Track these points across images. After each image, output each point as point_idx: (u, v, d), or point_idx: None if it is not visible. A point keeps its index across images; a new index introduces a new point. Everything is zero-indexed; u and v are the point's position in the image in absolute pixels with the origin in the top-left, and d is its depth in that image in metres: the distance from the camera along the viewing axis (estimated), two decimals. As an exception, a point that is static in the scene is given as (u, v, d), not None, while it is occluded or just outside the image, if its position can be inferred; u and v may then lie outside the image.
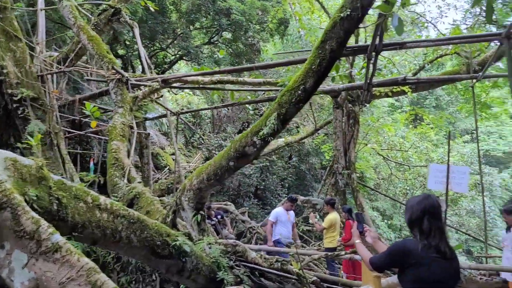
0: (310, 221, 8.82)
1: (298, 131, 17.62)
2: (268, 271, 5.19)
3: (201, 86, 7.89)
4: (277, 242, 8.07)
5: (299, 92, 4.18)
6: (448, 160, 4.41)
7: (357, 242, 2.99)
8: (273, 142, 15.71)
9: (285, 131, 17.84)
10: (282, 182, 18.38)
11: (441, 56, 11.87)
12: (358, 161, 18.48)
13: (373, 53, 5.33)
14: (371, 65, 5.86)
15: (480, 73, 5.89)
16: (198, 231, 5.43)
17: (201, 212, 5.38)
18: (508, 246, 6.43)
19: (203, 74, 7.26)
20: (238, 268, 5.18)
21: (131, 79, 7.70)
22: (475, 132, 32.42)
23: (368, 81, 6.43)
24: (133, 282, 6.14)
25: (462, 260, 17.85)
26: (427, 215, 2.51)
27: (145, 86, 8.00)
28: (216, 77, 7.92)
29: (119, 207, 4.07)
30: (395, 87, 9.13)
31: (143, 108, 9.49)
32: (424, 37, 13.82)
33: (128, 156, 7.01)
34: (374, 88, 8.90)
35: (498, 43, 5.89)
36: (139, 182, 6.40)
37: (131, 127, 7.44)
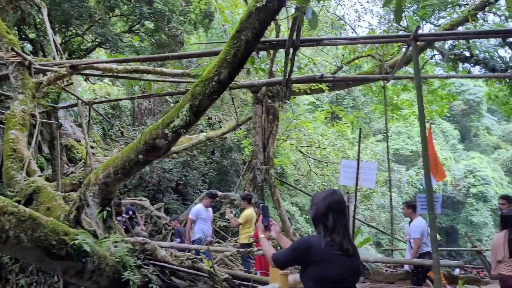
0: (226, 216, 8.69)
1: (221, 126, 17.47)
2: (178, 270, 4.98)
3: (115, 74, 7.41)
4: (199, 241, 7.81)
5: (213, 83, 4.01)
6: (359, 156, 4.52)
7: (261, 237, 2.86)
8: (194, 137, 15.42)
9: (208, 126, 17.61)
10: (203, 177, 18.10)
11: (357, 57, 12.37)
12: (279, 157, 18.84)
13: (291, 49, 5.33)
14: (289, 61, 5.87)
15: (391, 74, 6.18)
16: (104, 228, 5.06)
17: (108, 208, 5.02)
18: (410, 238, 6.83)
19: (116, 62, 6.81)
20: (146, 267, 4.90)
21: (34, 63, 7.01)
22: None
23: (287, 76, 6.45)
24: (34, 284, 5.62)
25: (372, 252, 18.96)
26: (332, 211, 2.45)
27: (52, 71, 7.34)
28: (132, 65, 7.51)
29: (6, 203, 3.63)
30: (313, 84, 9.34)
31: (50, 95, 8.75)
32: (344, 39, 14.33)
33: (29, 147, 6.39)
34: (293, 85, 9.02)
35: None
36: (40, 176, 5.85)
37: (33, 116, 6.79)
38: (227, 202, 10.30)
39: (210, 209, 8.46)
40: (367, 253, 8.75)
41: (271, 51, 8.90)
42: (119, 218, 7.98)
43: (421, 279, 6.45)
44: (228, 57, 3.94)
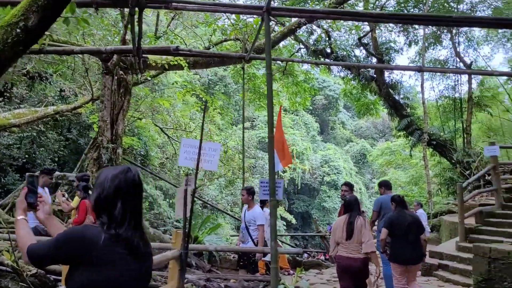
0: (57, 199, 7.47)
1: (76, 100, 15.71)
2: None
3: None
4: (34, 230, 6.56)
5: (18, 30, 3.15)
6: (202, 134, 4.11)
7: (20, 218, 2.02)
8: (41, 109, 13.57)
9: (60, 99, 15.70)
10: (53, 156, 16.12)
11: (225, 40, 12.15)
12: (143, 139, 17.86)
13: (137, 9, 4.65)
14: (137, 25, 5.17)
15: (247, 54, 5.94)
16: None
17: None
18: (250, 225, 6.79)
19: None
20: None
21: None
22: (255, 119, 35.65)
23: (136, 44, 5.74)
24: None
25: (233, 239, 19.21)
26: (122, 196, 1.83)
27: None
28: None
29: None
30: (172, 60, 8.68)
31: None
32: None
33: None
34: (149, 58, 8.28)
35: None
36: None
37: None
38: (65, 183, 9.06)
39: (47, 190, 7.30)
40: (215, 239, 8.51)
41: (126, 15, 7.94)
42: None
43: (256, 264, 6.58)
44: (38, -1, 3.12)
